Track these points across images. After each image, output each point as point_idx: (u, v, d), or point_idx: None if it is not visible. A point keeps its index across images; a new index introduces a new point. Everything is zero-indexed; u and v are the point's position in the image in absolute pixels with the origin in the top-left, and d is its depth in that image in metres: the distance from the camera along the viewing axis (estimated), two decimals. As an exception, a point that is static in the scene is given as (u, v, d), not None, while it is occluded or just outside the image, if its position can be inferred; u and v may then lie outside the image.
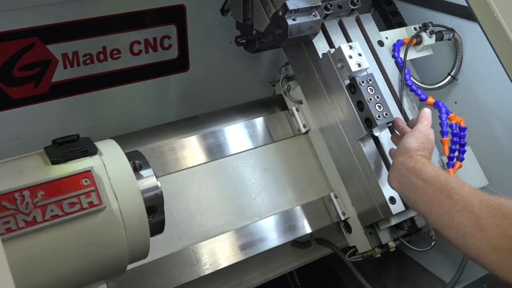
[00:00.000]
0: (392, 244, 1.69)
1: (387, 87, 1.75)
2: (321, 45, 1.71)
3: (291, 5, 1.55)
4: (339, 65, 1.61)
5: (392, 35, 1.87)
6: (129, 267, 1.06)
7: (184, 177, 1.64)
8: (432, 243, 1.76)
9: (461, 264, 1.75)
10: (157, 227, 1.09)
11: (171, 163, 1.64)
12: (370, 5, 2.14)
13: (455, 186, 1.15)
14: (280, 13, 1.58)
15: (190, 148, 1.69)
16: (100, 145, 1.05)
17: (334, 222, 1.77)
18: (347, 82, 1.62)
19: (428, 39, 1.87)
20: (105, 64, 1.87)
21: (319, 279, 2.19)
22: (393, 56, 1.80)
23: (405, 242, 1.72)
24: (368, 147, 1.64)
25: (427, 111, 1.49)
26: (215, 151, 1.71)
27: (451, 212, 1.12)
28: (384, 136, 1.67)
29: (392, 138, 1.60)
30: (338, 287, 2.18)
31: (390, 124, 1.62)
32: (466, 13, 1.87)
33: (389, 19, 2.06)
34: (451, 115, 1.70)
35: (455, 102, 2.00)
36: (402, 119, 1.62)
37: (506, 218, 1.03)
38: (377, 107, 1.56)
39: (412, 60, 1.99)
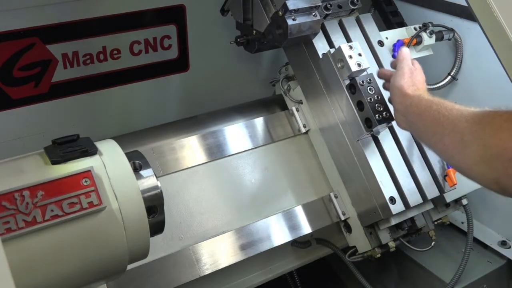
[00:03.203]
0: (392, 244, 1.69)
1: (387, 87, 1.75)
2: (321, 45, 1.72)
3: (291, 5, 1.55)
4: (339, 65, 1.61)
5: (392, 35, 1.87)
6: (129, 267, 1.06)
7: (184, 177, 1.64)
8: (432, 243, 1.76)
9: (461, 264, 1.75)
10: (157, 227, 1.09)
11: (171, 163, 1.64)
12: (370, 5, 2.14)
13: (445, 112, 1.19)
14: (280, 13, 1.58)
15: (190, 148, 1.69)
16: (100, 145, 1.05)
17: (334, 222, 1.77)
18: (347, 82, 1.62)
19: (428, 39, 1.87)
20: (105, 64, 1.87)
21: (319, 279, 2.19)
22: (393, 56, 1.80)
23: (405, 242, 1.72)
24: (368, 147, 1.64)
25: (404, 51, 1.51)
26: (215, 151, 1.71)
27: (442, 138, 1.17)
28: (384, 136, 1.67)
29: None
30: (338, 287, 2.18)
31: (390, 124, 1.62)
32: (466, 13, 1.87)
33: (389, 19, 2.06)
34: (451, 115, 1.69)
35: (455, 102, 1.99)
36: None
37: (486, 130, 1.06)
38: (377, 107, 1.56)
39: (412, 60, 1.99)
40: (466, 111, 1.14)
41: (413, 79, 1.40)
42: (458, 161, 1.13)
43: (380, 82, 1.69)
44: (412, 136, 1.71)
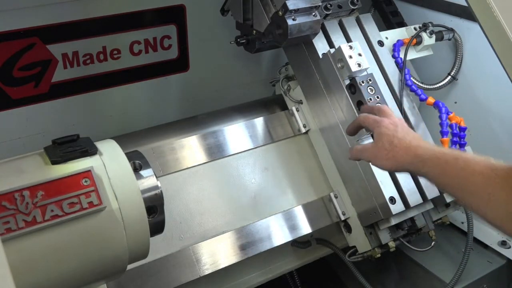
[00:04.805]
0: (392, 244, 1.69)
1: (387, 87, 1.75)
2: (321, 45, 1.72)
3: (291, 5, 1.55)
4: (339, 65, 1.61)
5: (392, 35, 1.87)
6: (129, 267, 1.06)
7: (184, 177, 1.64)
8: (432, 243, 1.76)
9: (461, 264, 1.75)
10: (157, 227, 1.09)
11: (171, 163, 1.64)
12: (370, 5, 2.14)
13: (471, 177, 1.05)
14: (280, 13, 1.58)
15: (190, 148, 1.69)
16: (100, 145, 1.05)
17: (334, 222, 1.77)
18: (347, 82, 1.62)
19: (428, 39, 1.87)
20: (105, 64, 1.87)
21: (319, 279, 2.19)
22: (393, 56, 1.81)
23: (405, 242, 1.72)
24: (368, 147, 1.64)
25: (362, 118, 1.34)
26: (215, 151, 1.71)
27: (480, 208, 1.05)
28: (384, 136, 1.66)
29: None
30: (338, 287, 2.18)
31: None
32: (466, 13, 1.87)
33: (389, 19, 2.06)
34: (451, 115, 1.70)
35: (455, 102, 2.00)
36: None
37: None
38: (377, 107, 1.56)
39: (412, 60, 1.99)
40: (491, 172, 1.02)
41: (386, 147, 1.22)
42: None
43: (380, 82, 1.69)
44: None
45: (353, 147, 1.35)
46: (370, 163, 1.31)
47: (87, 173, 0.98)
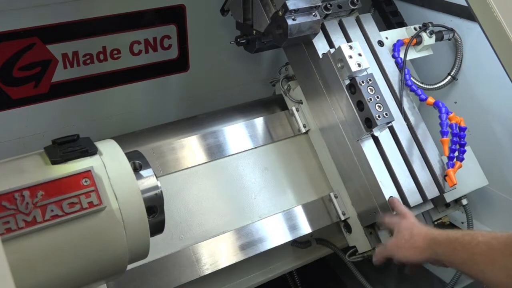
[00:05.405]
0: (392, 244, 1.69)
1: (387, 87, 1.75)
2: (321, 45, 1.72)
3: (291, 5, 1.55)
4: (339, 65, 1.61)
5: (392, 35, 1.87)
6: (129, 267, 1.06)
7: (184, 177, 1.64)
8: (432, 243, 1.76)
9: (461, 264, 1.75)
10: (157, 227, 1.09)
11: (171, 163, 1.64)
12: (370, 5, 2.14)
13: (476, 248, 1.14)
14: (280, 13, 1.58)
15: (190, 148, 1.69)
16: (100, 145, 1.05)
17: (334, 222, 1.77)
18: (347, 82, 1.62)
19: (428, 39, 1.87)
20: (105, 64, 1.87)
21: (319, 279, 2.19)
22: (393, 56, 1.81)
23: (405, 242, 1.71)
24: (368, 147, 1.64)
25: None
26: (215, 151, 1.71)
27: (490, 272, 1.12)
28: (384, 136, 1.67)
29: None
30: (338, 287, 2.18)
31: (390, 124, 1.62)
32: (466, 13, 1.87)
33: (389, 19, 2.06)
34: (451, 115, 1.70)
35: (455, 102, 2.00)
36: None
37: None
38: (377, 107, 1.56)
39: (412, 60, 1.99)
40: (493, 240, 1.10)
41: (406, 238, 1.35)
42: None
43: (380, 82, 1.69)
44: (412, 136, 1.72)
45: (375, 252, 1.50)
46: (394, 258, 1.40)
47: (87, 173, 0.98)
